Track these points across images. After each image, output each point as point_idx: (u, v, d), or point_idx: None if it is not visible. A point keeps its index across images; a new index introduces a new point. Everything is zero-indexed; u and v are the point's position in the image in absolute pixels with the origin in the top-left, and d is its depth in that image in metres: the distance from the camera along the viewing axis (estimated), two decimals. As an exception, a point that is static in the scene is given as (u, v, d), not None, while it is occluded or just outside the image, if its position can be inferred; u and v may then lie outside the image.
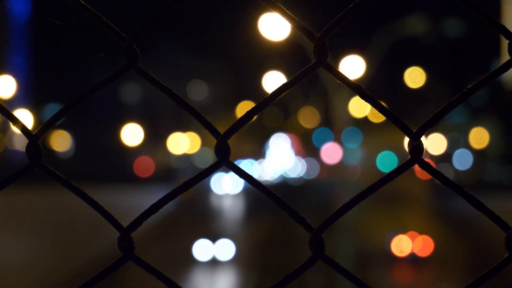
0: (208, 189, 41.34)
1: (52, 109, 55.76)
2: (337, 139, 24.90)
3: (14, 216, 31.42)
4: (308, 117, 55.00)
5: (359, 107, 34.00)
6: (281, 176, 58.54)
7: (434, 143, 57.89)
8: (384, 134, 53.46)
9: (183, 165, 62.09)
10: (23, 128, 1.57)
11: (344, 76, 1.53)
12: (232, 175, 39.14)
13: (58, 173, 1.57)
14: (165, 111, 65.43)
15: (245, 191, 41.97)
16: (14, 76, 65.95)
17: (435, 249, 25.49)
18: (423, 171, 1.53)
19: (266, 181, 52.57)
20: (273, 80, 24.49)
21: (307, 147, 61.28)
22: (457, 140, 64.09)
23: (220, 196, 41.09)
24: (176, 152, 65.03)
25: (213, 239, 23.34)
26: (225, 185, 41.93)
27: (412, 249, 23.88)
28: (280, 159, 60.37)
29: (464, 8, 1.51)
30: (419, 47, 63.57)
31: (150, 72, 1.55)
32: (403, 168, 1.54)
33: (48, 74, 66.01)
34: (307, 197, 40.81)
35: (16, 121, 1.57)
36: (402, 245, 24.03)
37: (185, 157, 64.96)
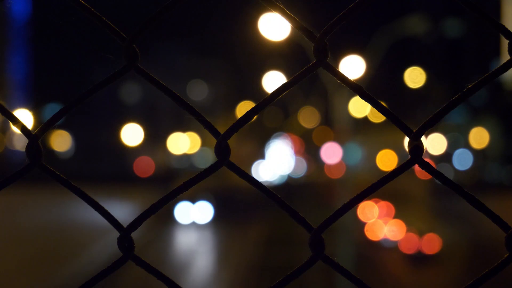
0: (170, 218, 32.42)
1: (52, 109, 55.77)
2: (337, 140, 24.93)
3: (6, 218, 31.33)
4: (308, 117, 55.01)
5: (359, 107, 34.00)
6: (282, 176, 58.54)
7: (434, 143, 57.90)
8: (384, 134, 53.47)
9: (183, 165, 62.09)
10: (23, 128, 1.57)
11: (344, 76, 1.53)
12: (200, 204, 34.45)
13: (58, 173, 1.57)
14: (165, 111, 65.45)
15: (216, 220, 33.32)
16: (15, 76, 65.99)
17: (436, 249, 25.79)
18: (423, 171, 1.53)
19: (266, 181, 52.54)
20: (273, 80, 24.47)
21: (307, 146, 61.31)
22: (457, 140, 64.11)
23: (185, 227, 32.17)
24: (176, 152, 65.04)
25: None
26: (192, 214, 32.86)
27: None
28: (280, 160, 60.35)
29: (464, 8, 1.51)
30: (419, 47, 63.59)
31: (150, 72, 1.55)
32: (403, 168, 1.54)
33: (48, 74, 66.04)
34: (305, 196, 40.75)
35: (16, 121, 1.57)
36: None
37: (185, 157, 64.95)
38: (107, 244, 23.13)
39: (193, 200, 32.49)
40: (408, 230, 27.68)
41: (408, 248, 26.86)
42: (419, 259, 25.92)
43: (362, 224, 28.66)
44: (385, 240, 27.97)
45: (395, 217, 29.71)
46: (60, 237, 27.07)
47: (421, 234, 26.95)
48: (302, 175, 60.16)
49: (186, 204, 32.33)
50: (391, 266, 25.66)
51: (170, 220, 31.77)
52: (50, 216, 32.46)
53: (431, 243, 26.77)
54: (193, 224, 32.23)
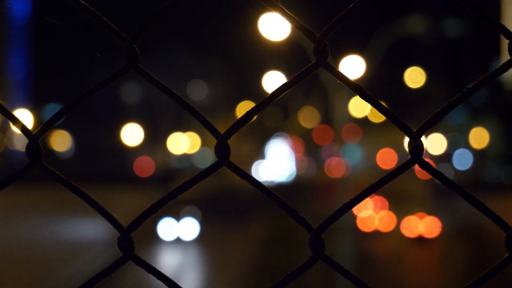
0: (153, 234, 28.52)
1: (52, 109, 55.78)
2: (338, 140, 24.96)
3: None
4: (308, 117, 55.00)
5: (359, 107, 34.03)
6: (282, 176, 58.55)
7: (434, 143, 57.92)
8: (384, 134, 53.49)
9: (183, 165, 62.08)
10: (23, 128, 1.57)
11: (344, 76, 1.53)
12: (185, 221, 28.27)
13: (58, 173, 1.57)
14: (165, 111, 65.45)
15: (203, 236, 29.20)
16: (15, 76, 66.01)
17: (436, 249, 25.92)
18: (423, 171, 1.53)
19: (266, 181, 52.54)
20: (273, 80, 24.48)
21: (307, 146, 61.32)
22: (457, 140, 64.12)
23: (168, 244, 28.36)
24: (176, 152, 65.05)
25: None
26: (176, 230, 28.99)
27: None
28: (280, 160, 60.35)
29: (464, 8, 1.51)
30: (419, 47, 63.59)
31: (150, 72, 1.55)
32: (403, 168, 1.54)
33: (48, 74, 66.05)
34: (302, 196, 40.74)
35: (16, 121, 1.57)
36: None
37: (185, 157, 64.96)
38: (84, 263, 21.89)
39: (177, 217, 28.82)
40: (399, 220, 29.88)
41: (409, 232, 29.01)
42: (419, 242, 27.68)
43: (354, 217, 29.61)
44: (377, 231, 30.07)
45: (388, 210, 31.52)
46: (35, 253, 25.06)
47: (421, 217, 29.12)
48: (301, 174, 60.13)
49: (169, 221, 28.86)
50: (388, 255, 26.38)
51: (153, 236, 28.46)
52: (29, 230, 30.66)
53: (432, 227, 28.84)
54: (179, 240, 28.73)
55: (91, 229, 28.38)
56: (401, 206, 32.23)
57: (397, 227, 30.04)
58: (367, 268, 22.63)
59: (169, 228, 29.05)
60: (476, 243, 27.23)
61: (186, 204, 29.38)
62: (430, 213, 30.39)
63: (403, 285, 21.71)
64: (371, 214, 30.92)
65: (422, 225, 29.04)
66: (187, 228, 29.10)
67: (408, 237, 29.02)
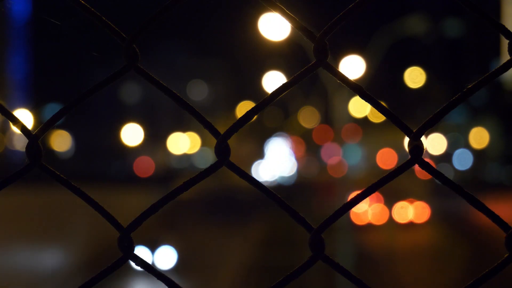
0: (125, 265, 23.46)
1: (52, 109, 55.75)
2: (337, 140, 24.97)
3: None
4: (308, 117, 54.98)
5: (359, 107, 34.03)
6: (281, 177, 58.54)
7: (434, 143, 57.92)
8: (384, 134, 53.51)
9: (183, 165, 62.08)
10: (23, 128, 1.57)
11: (344, 76, 1.53)
12: (161, 250, 24.29)
13: (58, 173, 1.57)
14: (165, 111, 65.45)
15: (181, 266, 24.96)
16: (15, 76, 66.01)
17: (435, 248, 25.96)
18: (423, 171, 1.53)
19: (266, 181, 52.53)
20: (273, 80, 24.48)
21: (307, 146, 61.31)
22: (457, 140, 64.11)
23: (141, 274, 22.55)
24: (176, 152, 65.04)
25: None
26: (151, 258, 24.84)
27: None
28: (280, 160, 60.33)
29: (464, 8, 1.51)
30: (419, 47, 63.58)
31: (150, 72, 1.55)
32: (403, 168, 1.54)
33: (48, 74, 66.04)
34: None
35: (16, 121, 1.57)
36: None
37: (185, 157, 64.96)
38: None
39: (152, 246, 25.35)
40: (391, 210, 31.86)
41: (401, 218, 31.07)
42: (411, 228, 29.16)
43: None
44: (370, 224, 31.56)
45: (384, 204, 32.94)
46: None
47: (411, 202, 31.36)
48: (301, 174, 60.11)
49: (143, 250, 24.97)
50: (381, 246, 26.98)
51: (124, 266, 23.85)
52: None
53: (421, 212, 31.18)
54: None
55: (50, 258, 25.53)
56: (396, 201, 32.95)
57: (390, 217, 31.69)
58: (363, 261, 22.67)
59: (142, 257, 25.35)
60: (465, 230, 28.18)
61: (162, 231, 26.73)
62: (419, 198, 31.88)
63: (401, 279, 21.77)
64: (365, 209, 31.91)
65: (412, 210, 31.16)
66: (163, 257, 25.64)
67: (399, 224, 30.81)
